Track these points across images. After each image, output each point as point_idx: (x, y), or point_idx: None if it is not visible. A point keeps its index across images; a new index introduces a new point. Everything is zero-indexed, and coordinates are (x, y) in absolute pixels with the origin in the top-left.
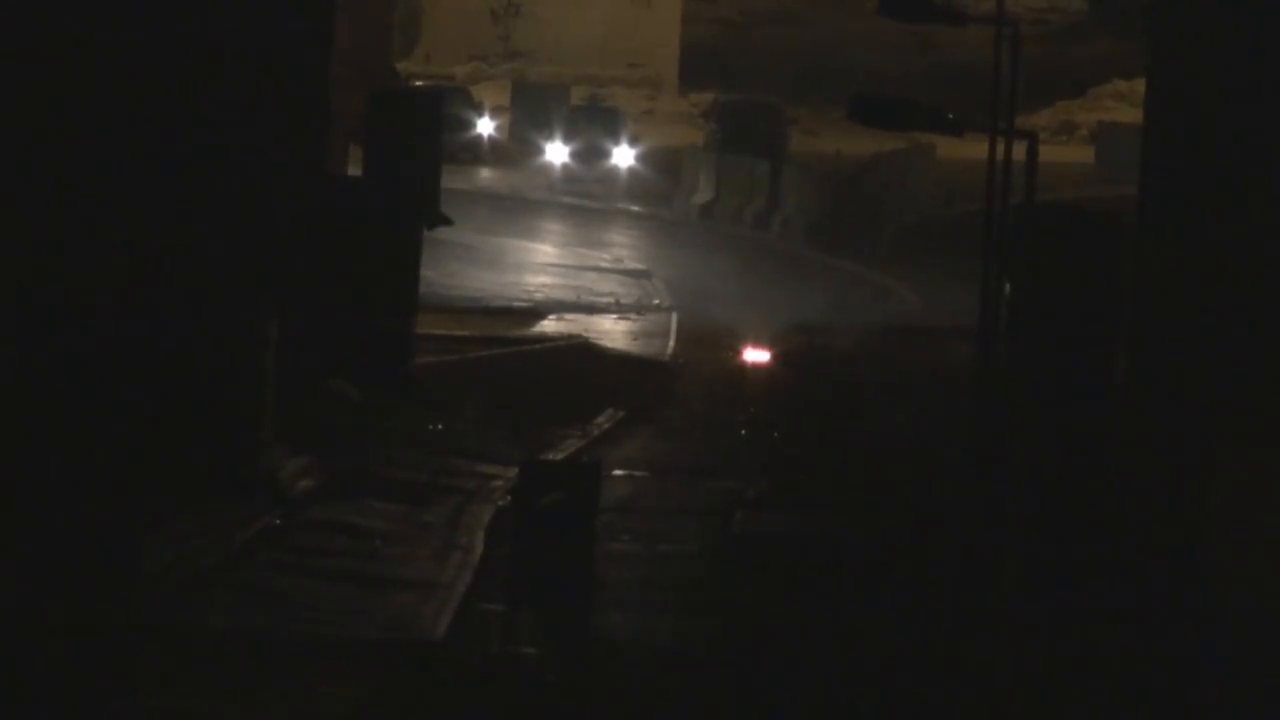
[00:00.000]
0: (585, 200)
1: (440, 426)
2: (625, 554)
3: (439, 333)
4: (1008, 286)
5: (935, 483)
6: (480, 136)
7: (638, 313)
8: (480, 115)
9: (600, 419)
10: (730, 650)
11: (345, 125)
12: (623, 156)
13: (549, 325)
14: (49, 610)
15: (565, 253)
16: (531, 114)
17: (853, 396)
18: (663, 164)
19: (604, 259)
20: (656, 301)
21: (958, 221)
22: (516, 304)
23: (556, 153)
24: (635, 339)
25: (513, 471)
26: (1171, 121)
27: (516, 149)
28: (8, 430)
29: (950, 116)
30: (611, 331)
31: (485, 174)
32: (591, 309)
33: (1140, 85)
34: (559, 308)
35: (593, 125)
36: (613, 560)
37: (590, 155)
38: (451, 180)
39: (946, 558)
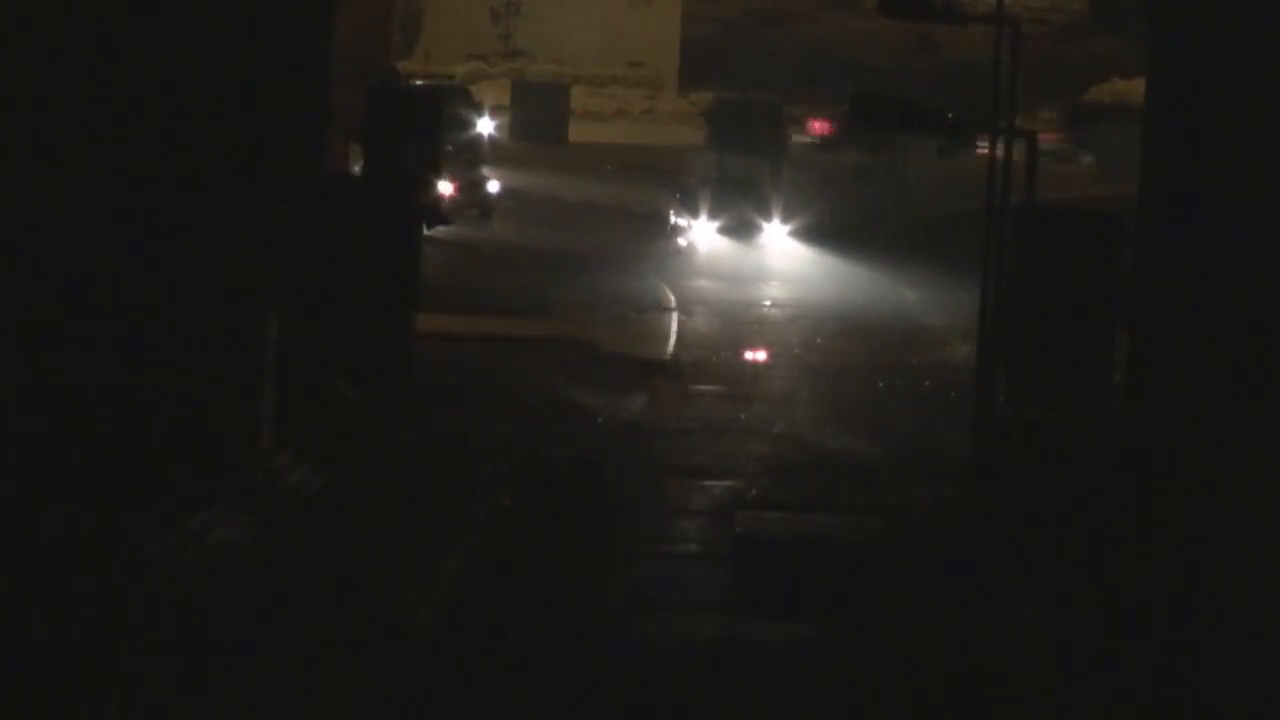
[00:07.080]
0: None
1: (440, 425)
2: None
3: (439, 331)
4: (1008, 285)
5: (933, 482)
6: (480, 136)
7: (637, 312)
8: (480, 115)
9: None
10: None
11: (345, 125)
12: (775, 234)
13: (549, 323)
14: (51, 611)
15: (568, 253)
16: (532, 114)
17: (852, 395)
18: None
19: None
20: (657, 299)
21: (957, 220)
22: (516, 301)
23: (702, 230)
24: (636, 338)
25: (513, 469)
26: (1171, 120)
27: (516, 148)
28: (10, 432)
29: (950, 116)
30: (611, 329)
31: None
32: (592, 306)
33: (1140, 85)
34: (559, 305)
35: (741, 198)
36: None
37: (742, 230)
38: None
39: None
